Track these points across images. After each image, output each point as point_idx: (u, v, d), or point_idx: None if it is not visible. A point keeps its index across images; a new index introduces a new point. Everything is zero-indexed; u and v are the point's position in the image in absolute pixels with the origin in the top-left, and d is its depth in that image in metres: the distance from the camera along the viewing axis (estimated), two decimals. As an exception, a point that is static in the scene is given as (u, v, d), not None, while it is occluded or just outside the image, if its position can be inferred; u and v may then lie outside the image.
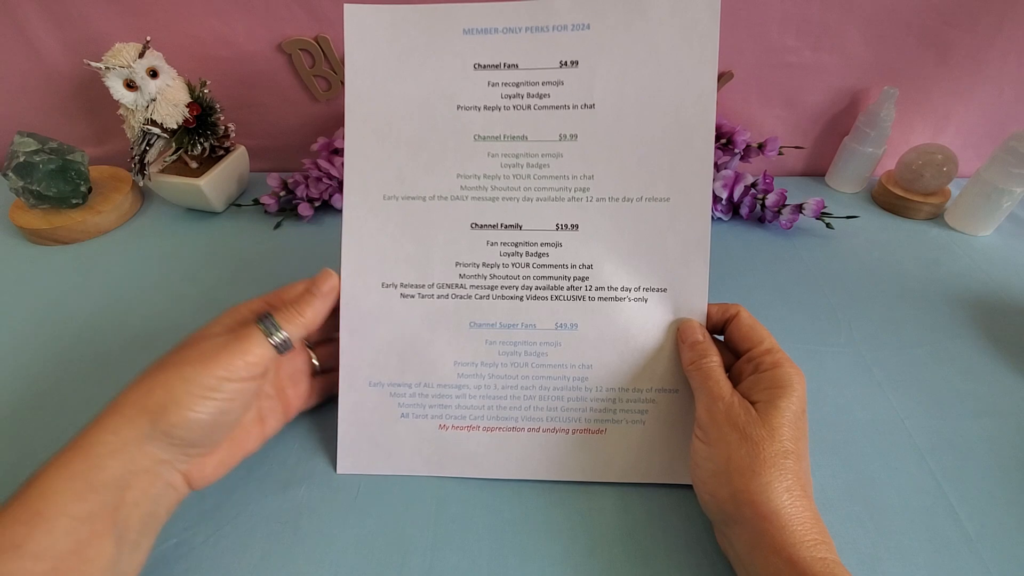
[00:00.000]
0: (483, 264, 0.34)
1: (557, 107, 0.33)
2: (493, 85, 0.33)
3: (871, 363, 0.42)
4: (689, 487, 0.32)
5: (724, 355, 0.33)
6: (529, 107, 0.33)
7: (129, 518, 0.25)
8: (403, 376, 0.34)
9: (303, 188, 0.54)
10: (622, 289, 0.33)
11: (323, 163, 0.53)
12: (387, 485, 0.34)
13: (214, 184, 0.53)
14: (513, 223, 0.34)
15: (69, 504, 0.23)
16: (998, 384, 0.40)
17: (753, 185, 0.55)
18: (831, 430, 0.37)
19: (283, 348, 0.29)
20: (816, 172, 0.64)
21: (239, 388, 0.28)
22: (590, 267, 0.34)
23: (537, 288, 0.34)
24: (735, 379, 0.32)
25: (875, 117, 0.55)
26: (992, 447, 0.36)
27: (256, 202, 0.56)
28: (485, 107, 0.33)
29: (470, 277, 0.34)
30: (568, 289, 0.34)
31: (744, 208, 0.55)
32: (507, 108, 0.33)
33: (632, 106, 0.33)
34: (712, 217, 0.56)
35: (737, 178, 0.54)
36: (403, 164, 0.34)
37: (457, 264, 0.34)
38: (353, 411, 0.35)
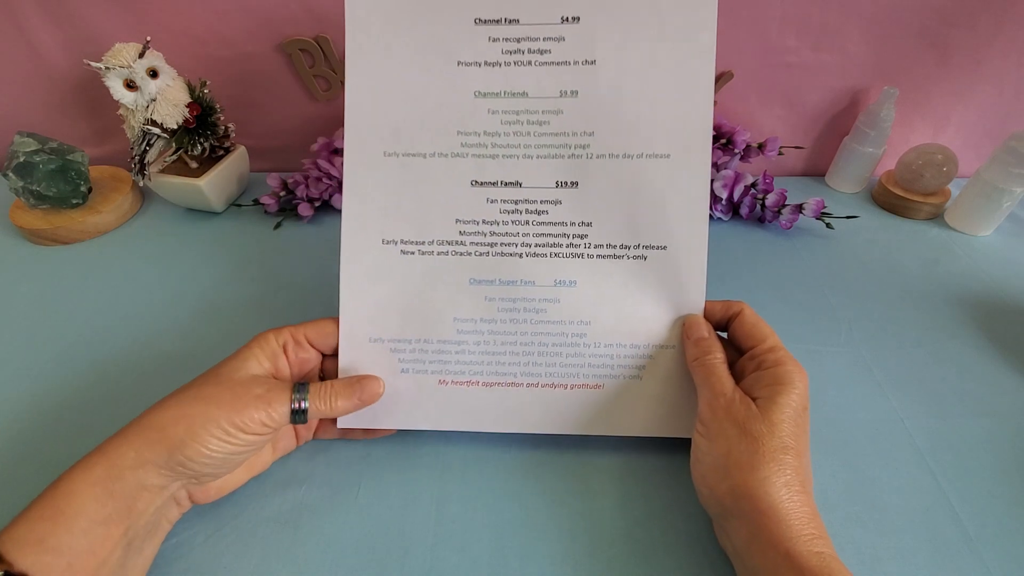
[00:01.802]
0: (483, 221, 0.34)
1: (558, 63, 0.33)
2: (494, 40, 0.33)
3: (871, 363, 0.42)
4: (691, 484, 0.32)
5: (728, 352, 0.33)
6: (530, 63, 0.33)
7: (136, 525, 0.27)
8: (403, 332, 0.34)
9: (303, 188, 0.54)
10: (621, 247, 0.34)
11: (323, 163, 0.53)
12: (387, 485, 0.34)
13: (214, 184, 0.53)
14: (513, 180, 0.34)
15: (89, 507, 0.25)
16: (998, 384, 0.40)
17: (753, 185, 0.55)
18: (831, 430, 0.37)
19: (297, 419, 0.30)
20: (816, 172, 0.64)
21: (252, 440, 0.29)
22: (589, 224, 0.34)
23: (536, 245, 0.34)
24: (738, 376, 0.32)
25: (875, 117, 0.55)
26: (992, 447, 0.36)
27: (256, 202, 0.56)
28: (486, 63, 0.33)
29: (470, 234, 0.34)
30: (567, 246, 0.34)
31: (744, 208, 0.55)
32: (508, 64, 0.33)
33: (633, 62, 0.32)
34: (712, 217, 0.56)
35: (737, 178, 0.54)
36: (402, 120, 0.33)
37: (457, 221, 0.34)
38: (353, 367, 0.35)
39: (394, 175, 0.34)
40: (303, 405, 0.30)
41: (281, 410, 0.29)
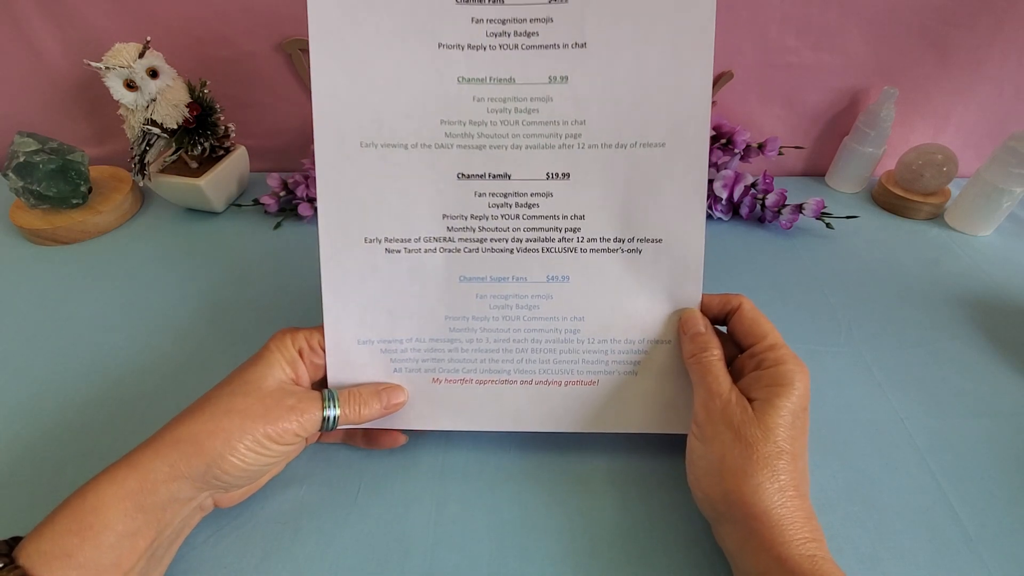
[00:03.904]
0: (471, 216, 0.33)
1: (546, 46, 0.31)
2: (477, 22, 0.31)
3: (871, 363, 0.42)
4: (687, 484, 0.32)
5: (726, 347, 0.32)
6: (516, 46, 0.31)
7: (163, 535, 0.27)
8: (394, 332, 0.34)
9: (303, 188, 0.54)
10: (615, 240, 0.33)
11: (323, 163, 0.53)
12: (387, 485, 0.34)
13: (214, 184, 0.53)
14: (501, 173, 0.32)
15: (118, 522, 0.25)
16: (998, 384, 0.40)
17: (753, 185, 0.55)
18: (831, 430, 0.37)
19: (327, 426, 0.30)
20: (816, 172, 0.64)
21: (286, 450, 0.29)
22: (582, 218, 0.33)
23: (528, 240, 0.33)
24: (736, 374, 0.31)
25: (875, 117, 0.55)
26: (992, 447, 0.36)
27: (256, 202, 0.56)
28: (469, 46, 0.31)
29: (458, 230, 0.33)
30: (560, 241, 0.33)
31: (744, 208, 0.55)
32: (493, 48, 0.31)
33: (626, 44, 0.31)
34: (712, 217, 0.56)
35: (737, 178, 0.54)
36: (380, 107, 0.31)
37: (444, 216, 0.33)
38: (342, 370, 0.33)
39: (373, 167, 0.32)
40: (334, 413, 0.30)
41: (313, 419, 0.29)
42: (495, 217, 0.33)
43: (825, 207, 0.54)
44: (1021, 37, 0.53)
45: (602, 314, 0.33)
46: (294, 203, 0.55)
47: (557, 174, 0.32)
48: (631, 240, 0.33)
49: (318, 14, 0.31)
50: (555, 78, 0.31)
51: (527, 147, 0.32)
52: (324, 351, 0.33)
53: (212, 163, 0.54)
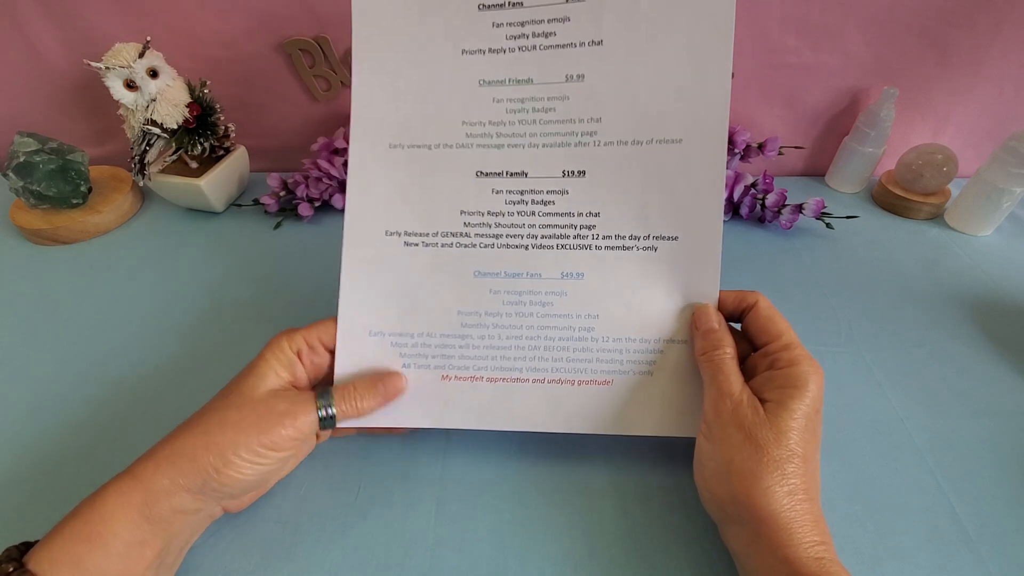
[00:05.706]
0: (488, 213, 0.33)
1: (563, 46, 0.32)
2: (498, 26, 0.32)
3: (871, 363, 0.42)
4: (691, 484, 0.32)
5: (740, 345, 0.31)
6: (535, 47, 0.32)
7: (171, 544, 0.27)
8: (405, 326, 0.34)
9: (303, 188, 0.54)
10: (630, 238, 0.33)
11: (323, 163, 0.53)
12: (387, 485, 0.34)
13: (214, 184, 0.53)
14: (519, 171, 0.33)
15: (125, 531, 0.25)
16: (998, 384, 0.40)
17: (753, 185, 0.55)
18: (831, 430, 0.36)
19: (326, 425, 0.30)
20: (816, 172, 0.64)
21: (284, 456, 0.29)
22: (597, 215, 0.33)
23: (543, 237, 0.33)
24: (749, 373, 0.30)
25: (875, 117, 0.55)
26: (992, 447, 0.36)
27: (256, 202, 0.56)
28: (490, 50, 0.32)
29: (475, 226, 0.33)
30: (575, 238, 0.33)
31: (744, 208, 0.55)
32: (512, 50, 0.32)
33: (642, 40, 0.31)
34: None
35: (737, 178, 0.54)
36: (409, 113, 0.33)
37: (462, 212, 0.33)
38: (351, 361, 0.33)
39: (399, 167, 0.33)
40: (330, 412, 0.30)
41: (308, 421, 0.29)
42: (511, 214, 0.33)
43: (825, 207, 0.54)
44: (1021, 37, 0.53)
45: (617, 312, 0.33)
46: (294, 203, 0.55)
47: (573, 171, 0.33)
48: (647, 238, 0.33)
49: (360, 34, 0.33)
50: (572, 76, 0.32)
51: (543, 145, 0.33)
52: (325, 349, 0.33)
53: (212, 163, 0.54)
